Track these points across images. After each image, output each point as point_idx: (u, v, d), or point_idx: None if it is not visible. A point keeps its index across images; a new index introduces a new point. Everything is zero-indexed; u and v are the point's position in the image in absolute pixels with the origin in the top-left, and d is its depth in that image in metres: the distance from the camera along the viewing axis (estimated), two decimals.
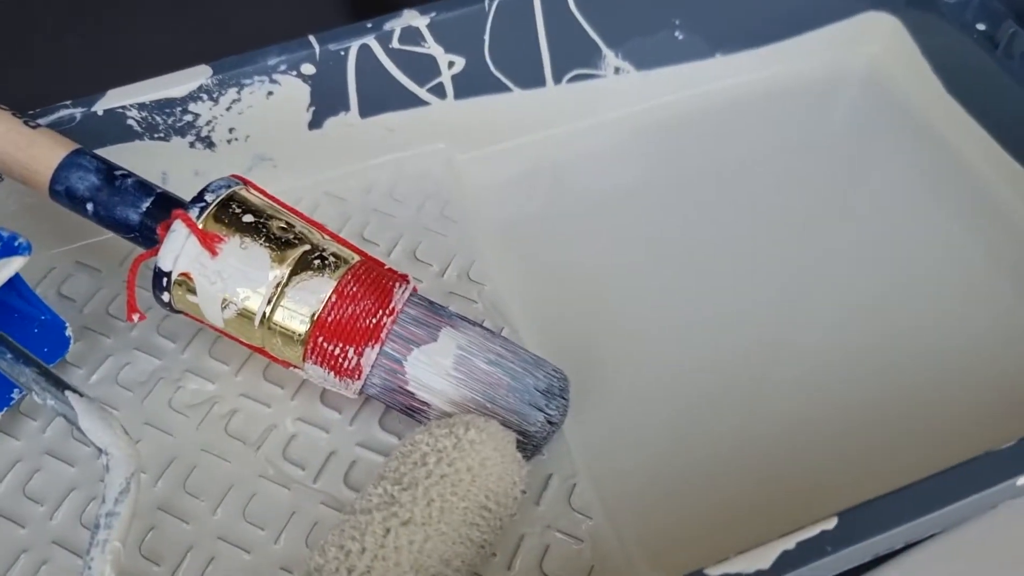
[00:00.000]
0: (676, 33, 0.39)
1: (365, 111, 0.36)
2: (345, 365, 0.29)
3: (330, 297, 0.29)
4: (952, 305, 0.34)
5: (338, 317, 0.29)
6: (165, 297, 0.29)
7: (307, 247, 0.29)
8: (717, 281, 0.35)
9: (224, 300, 0.29)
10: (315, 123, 0.36)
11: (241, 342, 0.30)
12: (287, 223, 0.30)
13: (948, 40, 0.40)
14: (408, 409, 0.29)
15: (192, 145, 0.35)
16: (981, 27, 0.39)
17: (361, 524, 0.26)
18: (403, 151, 0.38)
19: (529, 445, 0.29)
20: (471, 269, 0.35)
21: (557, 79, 0.38)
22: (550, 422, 0.29)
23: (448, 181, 0.38)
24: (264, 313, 0.29)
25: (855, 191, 0.39)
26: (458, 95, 0.37)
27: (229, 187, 0.30)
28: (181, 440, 0.31)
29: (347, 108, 0.36)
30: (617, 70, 0.39)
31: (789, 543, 0.23)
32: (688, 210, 0.37)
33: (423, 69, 0.36)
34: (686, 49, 0.40)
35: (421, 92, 0.36)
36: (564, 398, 0.30)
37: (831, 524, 0.23)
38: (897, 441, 0.30)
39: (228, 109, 0.34)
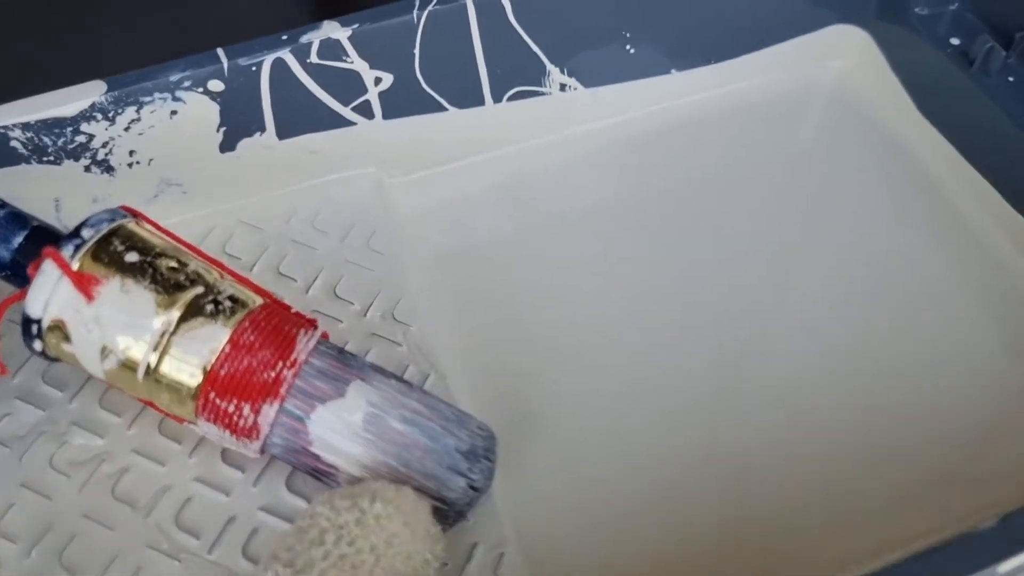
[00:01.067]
0: (627, 47, 0.36)
1: (283, 132, 0.33)
2: (241, 424, 0.25)
3: (224, 347, 0.25)
4: (921, 330, 0.32)
5: (232, 370, 0.25)
6: (37, 346, 0.26)
7: (200, 290, 0.26)
8: (672, 321, 0.32)
9: (104, 349, 0.25)
10: (227, 145, 0.33)
11: (128, 394, 0.27)
12: (179, 262, 0.26)
13: (920, 55, 0.37)
14: (315, 472, 0.26)
15: (88, 169, 0.31)
16: (955, 42, 0.36)
17: None
18: (327, 175, 0.34)
19: (450, 512, 0.26)
20: (396, 307, 0.32)
21: (497, 97, 0.35)
22: (473, 487, 0.26)
23: (376, 208, 0.34)
24: (149, 365, 0.25)
25: (822, 213, 0.36)
26: (387, 114, 0.34)
27: (113, 220, 0.26)
28: (60, 505, 0.27)
29: (262, 128, 0.33)
30: (563, 87, 0.36)
31: None
32: (642, 239, 0.34)
33: (347, 86, 0.33)
34: (639, 64, 0.37)
35: (345, 111, 0.33)
36: (490, 460, 0.26)
37: None
38: (854, 495, 0.28)
39: (127, 130, 0.31)
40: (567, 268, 0.33)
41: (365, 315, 0.31)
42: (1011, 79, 0.35)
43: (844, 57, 0.40)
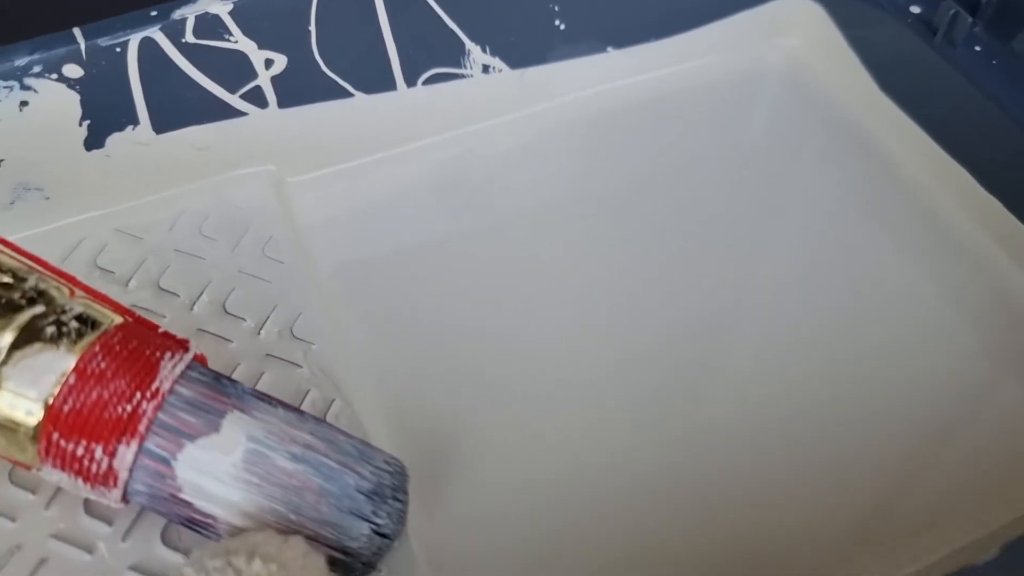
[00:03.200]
0: (556, 22, 0.32)
1: (160, 125, 0.29)
2: (93, 470, 0.21)
3: (68, 377, 0.21)
4: (888, 329, 0.28)
5: (78, 405, 0.21)
6: None
7: (39, 309, 0.21)
8: (611, 331, 0.28)
9: None
10: (93, 141, 0.28)
11: None
12: (14, 277, 0.22)
13: (879, 27, 0.34)
14: (190, 523, 0.22)
15: None
16: (915, 10, 0.33)
17: None
18: (217, 174, 0.30)
19: (356, 563, 0.22)
20: (296, 324, 0.27)
21: (410, 80, 0.31)
22: (379, 533, 0.22)
23: (274, 211, 0.30)
24: None
25: (777, 205, 0.32)
26: (283, 102, 0.30)
27: None
28: None
29: (135, 121, 0.28)
30: (486, 68, 0.32)
31: None
32: (579, 240, 0.31)
33: (233, 70, 0.29)
34: (571, 42, 0.33)
35: (233, 99, 0.29)
36: (399, 500, 0.22)
37: None
38: (825, 511, 0.24)
39: None
40: (494, 276, 0.29)
41: (259, 333, 0.27)
42: (978, 48, 0.31)
43: (796, 34, 0.36)
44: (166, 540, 0.23)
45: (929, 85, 0.32)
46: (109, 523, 0.24)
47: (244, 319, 0.27)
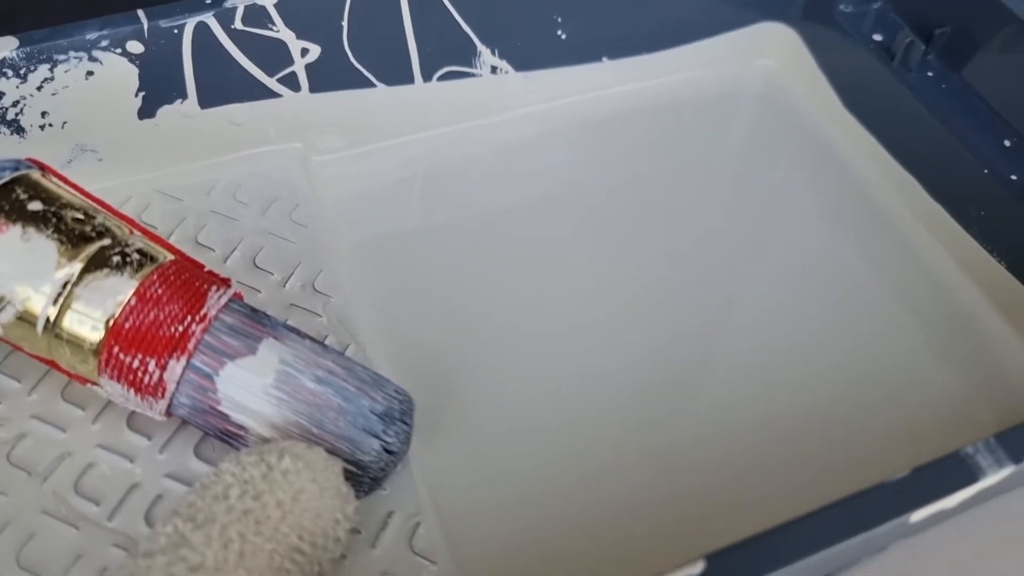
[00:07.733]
0: (559, 32, 0.36)
1: (205, 100, 0.32)
2: (146, 381, 0.24)
3: (129, 300, 0.24)
4: (845, 326, 0.32)
5: (137, 323, 0.24)
6: None
7: (106, 242, 0.25)
8: (598, 309, 0.31)
9: (1, 300, 0.24)
10: (146, 111, 0.32)
11: (27, 353, 0.25)
12: (85, 214, 0.25)
13: (845, 52, 0.38)
14: (223, 434, 0.25)
15: None
16: (878, 38, 0.37)
17: (141, 570, 0.21)
18: (251, 148, 0.34)
19: (365, 478, 0.25)
20: (317, 279, 0.31)
21: (427, 76, 0.35)
22: (388, 451, 0.25)
23: (300, 184, 0.34)
24: (48, 317, 0.24)
25: (749, 208, 0.36)
26: (314, 88, 0.33)
27: (17, 169, 0.25)
28: None
29: (184, 95, 0.32)
30: (494, 69, 0.36)
31: None
32: (571, 230, 0.34)
33: (273, 56, 0.32)
34: (570, 50, 0.37)
35: (270, 82, 0.33)
36: (406, 423, 0.26)
37: (698, 568, 0.20)
38: (778, 478, 0.27)
39: (39, 89, 0.30)
40: (493, 257, 0.33)
41: (284, 286, 0.31)
42: (930, 74, 0.35)
43: (772, 55, 0.40)
44: (199, 454, 0.27)
45: (886, 103, 0.36)
46: (148, 437, 0.27)
47: (272, 273, 0.31)
